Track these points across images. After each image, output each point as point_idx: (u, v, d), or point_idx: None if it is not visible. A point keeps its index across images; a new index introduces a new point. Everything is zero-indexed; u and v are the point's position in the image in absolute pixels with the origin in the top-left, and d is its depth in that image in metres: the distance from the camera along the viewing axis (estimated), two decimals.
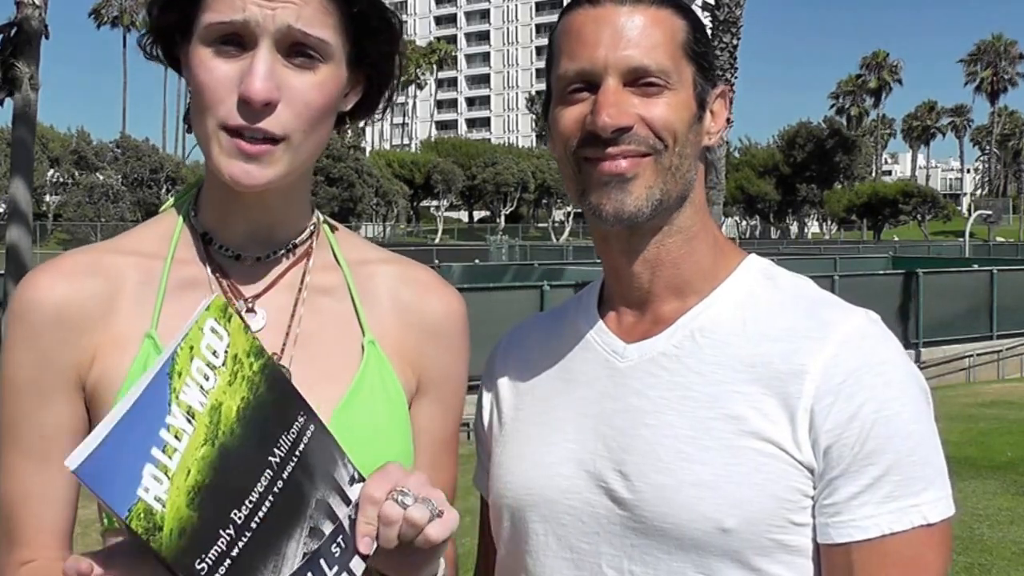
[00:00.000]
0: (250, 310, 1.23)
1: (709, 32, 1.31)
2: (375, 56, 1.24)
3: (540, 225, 78.61)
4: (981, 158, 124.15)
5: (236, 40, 1.13)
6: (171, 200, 1.30)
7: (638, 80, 1.19)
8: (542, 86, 1.36)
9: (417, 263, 1.37)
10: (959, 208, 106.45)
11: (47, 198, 58.91)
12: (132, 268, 1.22)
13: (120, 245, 1.25)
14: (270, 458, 0.97)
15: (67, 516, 1.21)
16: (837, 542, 1.14)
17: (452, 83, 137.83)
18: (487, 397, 1.43)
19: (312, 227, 1.29)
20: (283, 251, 1.26)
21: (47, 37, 7.83)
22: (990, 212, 55.47)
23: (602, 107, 1.18)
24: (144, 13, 1.23)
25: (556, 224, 76.87)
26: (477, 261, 28.44)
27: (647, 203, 1.20)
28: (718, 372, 1.20)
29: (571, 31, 1.23)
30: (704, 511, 1.15)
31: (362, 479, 1.06)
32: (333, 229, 1.33)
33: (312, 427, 1.03)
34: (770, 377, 1.17)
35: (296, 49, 1.14)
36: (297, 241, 1.27)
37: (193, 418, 0.92)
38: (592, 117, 1.19)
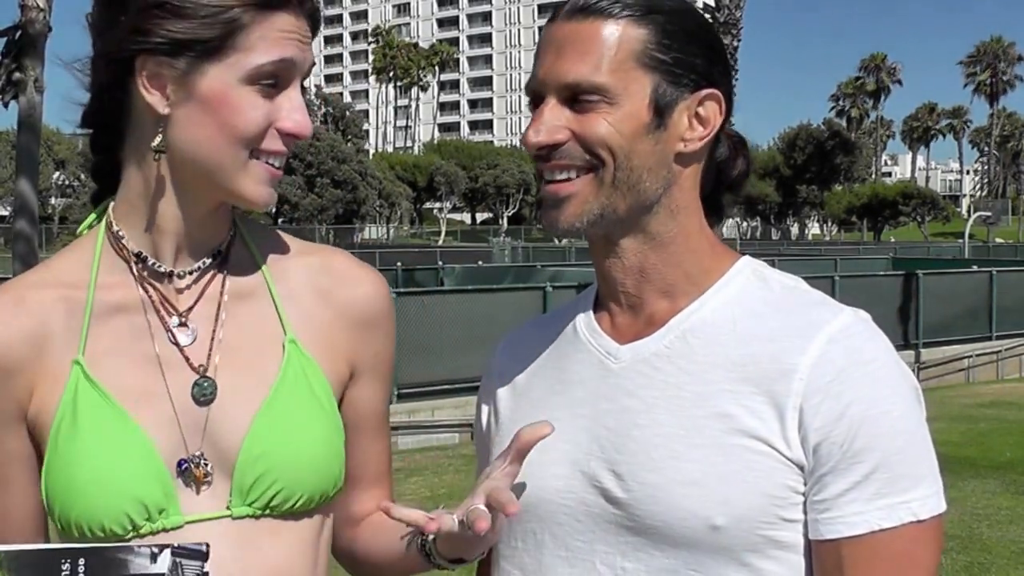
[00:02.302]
0: (183, 324, 1.25)
1: None
2: None
3: (542, 227, 78.30)
4: (980, 159, 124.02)
5: (276, 78, 1.20)
6: (85, 223, 1.32)
7: (575, 96, 1.20)
8: None
9: (334, 249, 1.39)
10: (958, 209, 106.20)
11: (53, 201, 58.92)
12: (57, 301, 1.24)
13: (42, 277, 1.27)
14: None
15: (30, 534, 1.25)
16: (827, 538, 1.16)
17: (454, 85, 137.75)
18: (485, 401, 1.44)
19: (232, 231, 1.32)
20: (209, 260, 1.28)
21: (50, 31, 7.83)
22: (989, 213, 55.46)
23: (530, 125, 1.22)
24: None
25: None
26: (480, 263, 28.39)
27: (581, 219, 1.22)
28: (709, 372, 1.21)
29: (536, 49, 1.28)
30: (694, 509, 1.16)
31: (162, 548, 1.07)
32: (250, 229, 1.35)
33: (81, 560, 1.06)
34: (759, 376, 1.18)
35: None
36: (222, 248, 1.30)
37: None
38: (523, 134, 1.23)
